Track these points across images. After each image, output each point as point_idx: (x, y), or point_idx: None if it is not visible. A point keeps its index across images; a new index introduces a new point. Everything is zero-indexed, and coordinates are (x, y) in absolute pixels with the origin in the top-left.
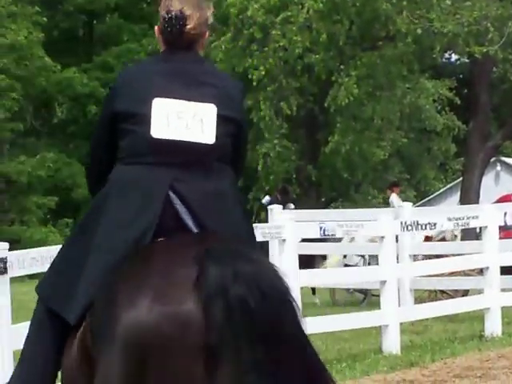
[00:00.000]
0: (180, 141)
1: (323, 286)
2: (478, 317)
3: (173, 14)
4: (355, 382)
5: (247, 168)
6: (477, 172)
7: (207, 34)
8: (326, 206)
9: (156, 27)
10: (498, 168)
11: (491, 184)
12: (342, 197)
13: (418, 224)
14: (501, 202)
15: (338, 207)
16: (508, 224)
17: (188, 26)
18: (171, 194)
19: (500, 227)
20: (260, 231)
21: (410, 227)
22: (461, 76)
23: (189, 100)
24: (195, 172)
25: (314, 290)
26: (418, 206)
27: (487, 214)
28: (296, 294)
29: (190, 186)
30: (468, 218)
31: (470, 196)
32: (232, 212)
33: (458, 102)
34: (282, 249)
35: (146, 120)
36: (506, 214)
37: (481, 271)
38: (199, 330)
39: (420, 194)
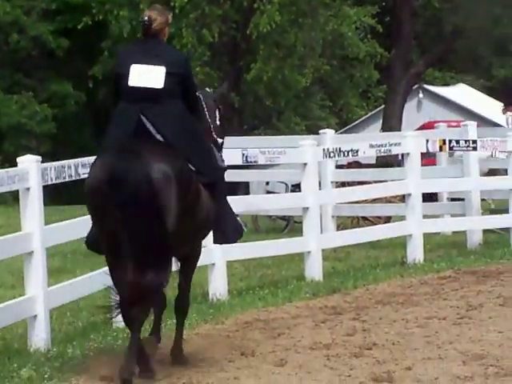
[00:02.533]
0: (143, 87)
1: (246, 213)
2: (400, 243)
3: (144, 18)
4: (278, 308)
5: None
6: (399, 99)
7: (167, 29)
8: (248, 133)
9: None
10: (421, 95)
11: (413, 111)
12: (264, 124)
13: (340, 151)
14: (423, 130)
15: (260, 134)
16: (430, 151)
17: (153, 25)
18: (142, 116)
19: (422, 154)
20: None
21: (332, 154)
22: (383, 3)
23: (150, 65)
24: (153, 103)
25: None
26: (340, 134)
27: (409, 141)
28: None
29: (152, 110)
30: (390, 145)
31: (392, 123)
32: (179, 123)
33: (381, 30)
34: None
35: (127, 77)
36: (428, 141)
37: (403, 198)
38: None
39: (342, 122)
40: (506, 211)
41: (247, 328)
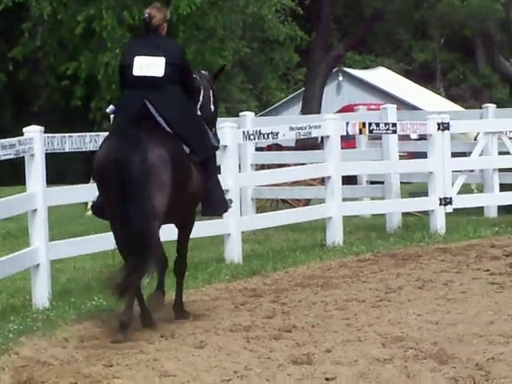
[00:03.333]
0: (146, 76)
1: None
2: (320, 226)
3: (145, 15)
4: (198, 290)
5: (90, 77)
6: (319, 82)
7: (165, 24)
8: None
9: None
10: (340, 78)
11: (333, 94)
12: None
13: (260, 133)
14: (342, 112)
15: None
16: (350, 134)
17: (153, 21)
18: (145, 101)
19: (342, 137)
20: (101, 139)
21: (252, 137)
22: None
23: (151, 56)
24: (156, 90)
25: None
26: (260, 116)
27: (329, 123)
28: None
29: (154, 96)
30: (310, 128)
31: (311, 106)
32: (178, 107)
33: (301, 12)
34: None
35: (131, 67)
36: (347, 124)
37: (323, 181)
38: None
39: (262, 104)
40: (425, 194)
41: (167, 310)
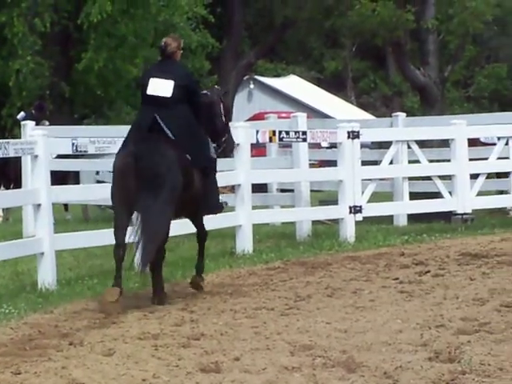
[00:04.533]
0: (157, 95)
1: (76, 202)
2: (230, 234)
3: (162, 43)
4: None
5: (1, 84)
6: (230, 90)
7: (179, 52)
8: (79, 122)
9: None
10: (251, 86)
11: (244, 102)
12: (95, 113)
13: None
14: (253, 120)
15: (91, 124)
16: (260, 142)
17: (168, 49)
18: (156, 116)
19: (252, 145)
20: (13, 147)
21: None
22: None
23: (162, 79)
24: (165, 107)
25: (66, 206)
26: None
27: (240, 131)
28: (48, 211)
29: (164, 112)
30: None
31: None
32: (183, 123)
33: (213, 20)
34: (34, 165)
35: (146, 87)
36: (258, 131)
37: (233, 188)
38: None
39: None
40: (335, 202)
41: (76, 317)
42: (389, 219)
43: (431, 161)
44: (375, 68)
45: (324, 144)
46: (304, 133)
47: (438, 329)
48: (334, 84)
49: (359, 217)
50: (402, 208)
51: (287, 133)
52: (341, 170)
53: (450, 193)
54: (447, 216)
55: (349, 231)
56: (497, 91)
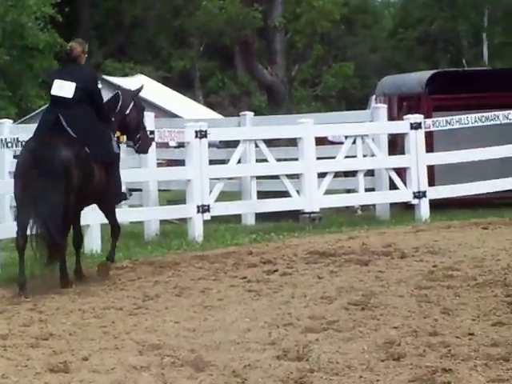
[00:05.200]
0: (60, 96)
1: None
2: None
3: (68, 47)
4: None
5: None
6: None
7: (83, 56)
8: None
9: None
10: (99, 86)
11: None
12: None
13: (18, 141)
14: None
15: None
16: None
17: (73, 53)
18: (60, 115)
19: None
20: None
21: (10, 144)
22: None
23: (65, 80)
24: (67, 108)
25: None
26: (20, 123)
27: None
28: None
29: (67, 112)
30: None
31: None
32: (83, 121)
33: (61, 20)
34: None
35: (51, 88)
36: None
37: None
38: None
39: (22, 112)
40: (183, 202)
41: None
42: (237, 218)
43: (279, 160)
44: (223, 67)
45: (172, 143)
46: (152, 132)
47: (286, 327)
48: (181, 83)
49: (207, 216)
50: (249, 207)
51: None
52: (189, 169)
53: (297, 192)
54: (295, 215)
55: (197, 230)
56: (344, 90)
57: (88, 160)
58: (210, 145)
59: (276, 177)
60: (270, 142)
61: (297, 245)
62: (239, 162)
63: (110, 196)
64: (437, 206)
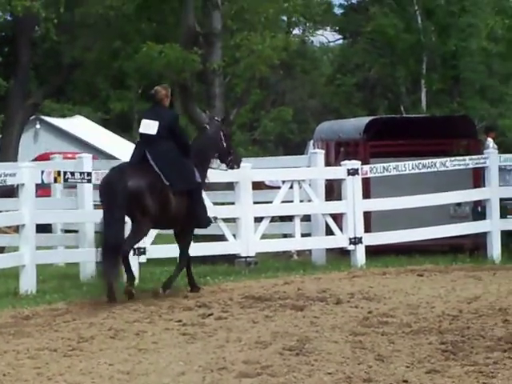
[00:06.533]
0: (145, 133)
1: None
2: (14, 274)
3: (153, 91)
4: None
5: None
6: (16, 130)
7: (167, 98)
8: None
9: None
10: (38, 126)
11: (30, 142)
12: None
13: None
14: (39, 161)
15: None
16: (45, 182)
17: (157, 96)
18: (146, 151)
19: (37, 185)
20: None
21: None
22: (3, 33)
23: (150, 119)
24: (151, 143)
25: None
26: None
27: (24, 171)
28: None
29: (152, 148)
30: (6, 176)
31: (8, 154)
32: (166, 156)
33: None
34: None
35: (139, 126)
36: (43, 172)
37: (17, 228)
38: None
39: None
40: None
41: None
42: (173, 261)
43: (216, 203)
44: None
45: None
46: (89, 174)
47: (220, 372)
48: (120, 125)
49: (143, 258)
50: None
51: (72, 174)
52: None
53: (234, 236)
54: (231, 259)
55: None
56: (282, 135)
57: (163, 189)
58: None
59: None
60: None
61: (232, 289)
62: None
63: (190, 221)
64: (373, 252)
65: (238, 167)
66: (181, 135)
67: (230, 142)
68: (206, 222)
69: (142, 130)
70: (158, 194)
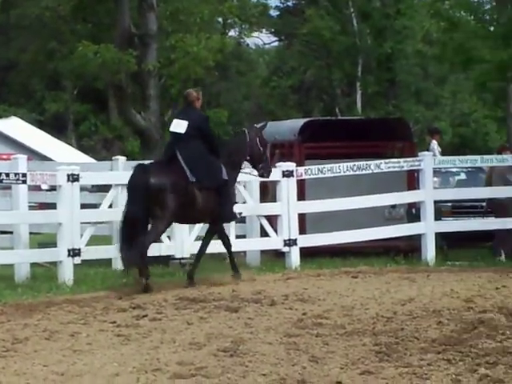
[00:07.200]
0: (176, 132)
1: None
2: None
3: (185, 93)
4: None
5: None
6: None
7: (198, 101)
8: None
9: None
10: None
11: None
12: None
13: None
14: None
15: None
16: None
17: (188, 98)
18: (176, 149)
19: None
20: None
21: None
22: None
23: (180, 119)
24: (182, 142)
25: None
26: None
27: None
28: None
29: (181, 146)
30: None
31: None
32: (193, 154)
33: None
34: None
35: (171, 125)
36: None
37: None
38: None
39: None
40: (54, 245)
41: None
42: (107, 262)
43: None
44: (96, 111)
45: (44, 186)
46: (24, 175)
47: (154, 373)
48: (55, 126)
49: (78, 260)
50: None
51: (7, 175)
52: (60, 212)
53: (168, 237)
54: (165, 260)
55: (67, 274)
56: (217, 136)
57: (188, 186)
58: (82, 188)
59: None
60: None
61: (166, 290)
62: (111, 206)
63: (218, 216)
64: (307, 254)
65: (268, 177)
66: (209, 135)
67: (266, 150)
68: (230, 216)
69: (172, 128)
70: (181, 190)
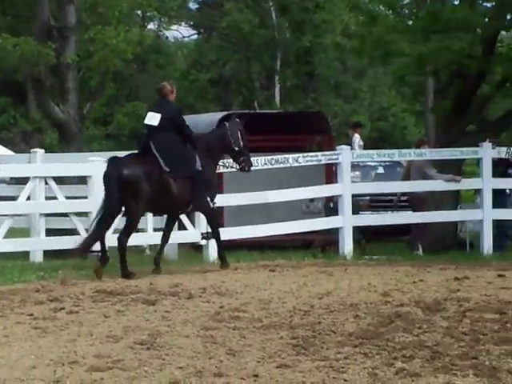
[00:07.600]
0: (150, 124)
1: None
2: None
3: (159, 86)
4: None
5: None
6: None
7: (172, 94)
8: None
9: None
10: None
11: None
12: None
13: None
14: None
15: None
16: None
17: (163, 90)
18: (150, 141)
19: None
20: None
21: None
22: None
23: (154, 112)
24: (155, 134)
25: None
26: None
27: None
28: None
29: (155, 137)
30: None
31: None
32: (167, 145)
33: None
34: None
35: (144, 117)
36: None
37: None
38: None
39: None
40: None
41: None
42: (25, 255)
43: (69, 197)
44: (15, 104)
45: None
46: None
47: (71, 365)
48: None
49: None
50: (37, 244)
51: None
52: None
53: (86, 230)
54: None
55: None
56: (136, 129)
57: (162, 175)
58: (0, 181)
59: (65, 214)
60: (61, 180)
61: (84, 283)
62: (28, 198)
63: (195, 204)
64: (225, 247)
65: (249, 170)
66: (182, 126)
67: (246, 143)
68: (203, 206)
69: (146, 121)
70: (155, 180)
